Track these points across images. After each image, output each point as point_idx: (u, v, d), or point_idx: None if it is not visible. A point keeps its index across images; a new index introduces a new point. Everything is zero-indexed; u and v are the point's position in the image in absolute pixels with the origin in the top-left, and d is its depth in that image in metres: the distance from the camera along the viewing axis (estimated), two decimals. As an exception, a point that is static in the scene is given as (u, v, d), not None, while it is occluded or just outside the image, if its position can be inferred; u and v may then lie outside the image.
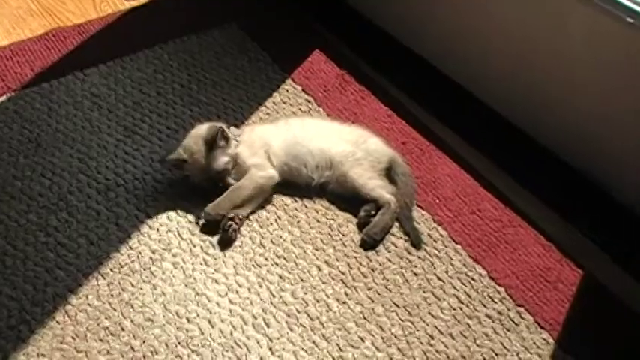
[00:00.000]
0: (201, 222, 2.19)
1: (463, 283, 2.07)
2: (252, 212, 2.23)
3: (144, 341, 1.90)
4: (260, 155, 2.27)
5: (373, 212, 2.19)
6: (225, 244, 2.14)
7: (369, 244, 2.14)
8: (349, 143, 2.30)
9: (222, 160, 2.21)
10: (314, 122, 2.47)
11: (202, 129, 2.27)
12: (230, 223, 2.14)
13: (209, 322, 1.95)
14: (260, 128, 2.40)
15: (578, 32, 2.25)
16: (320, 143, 2.28)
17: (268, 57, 2.89)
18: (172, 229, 2.18)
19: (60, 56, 2.85)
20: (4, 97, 2.64)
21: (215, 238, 2.16)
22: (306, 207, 2.26)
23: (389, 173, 2.30)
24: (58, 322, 1.93)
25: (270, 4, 3.21)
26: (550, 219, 2.27)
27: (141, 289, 2.02)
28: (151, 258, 2.10)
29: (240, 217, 2.17)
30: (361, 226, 2.20)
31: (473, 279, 2.08)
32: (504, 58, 2.55)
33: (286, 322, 1.95)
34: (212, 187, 2.22)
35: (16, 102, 2.62)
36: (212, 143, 2.21)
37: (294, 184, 2.30)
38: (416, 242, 2.16)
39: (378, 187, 2.22)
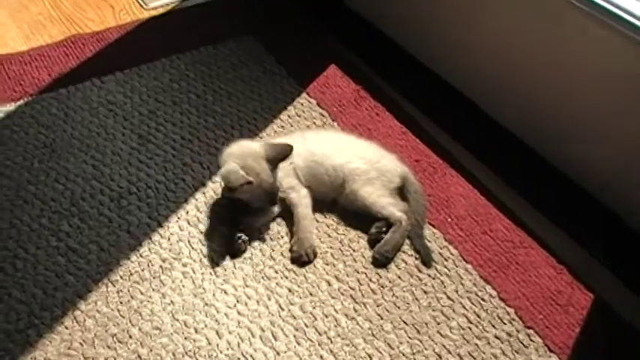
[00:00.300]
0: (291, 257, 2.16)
1: (473, 303, 2.06)
2: (265, 224, 2.23)
3: (151, 350, 1.90)
4: (290, 174, 2.26)
5: (384, 229, 2.19)
6: (235, 255, 2.14)
7: (381, 262, 2.14)
8: (363, 161, 2.28)
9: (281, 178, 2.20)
10: (330, 136, 2.46)
11: (253, 147, 2.18)
12: (240, 234, 2.14)
13: (217, 333, 1.94)
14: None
15: (593, 52, 2.25)
16: (335, 160, 2.27)
17: (284, 70, 2.89)
18: (183, 239, 2.19)
19: (78, 63, 2.88)
20: (21, 102, 2.66)
21: (225, 250, 2.16)
22: (317, 221, 2.25)
23: (401, 190, 2.30)
24: (66, 327, 1.94)
25: (288, 17, 3.23)
26: (562, 241, 2.26)
27: (150, 297, 2.02)
28: (161, 267, 2.11)
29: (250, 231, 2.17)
30: (372, 243, 2.19)
31: (483, 299, 2.07)
32: (519, 81, 2.55)
33: (294, 335, 1.95)
34: (264, 207, 2.20)
35: (33, 107, 2.64)
36: (277, 162, 2.17)
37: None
38: (426, 260, 2.15)
39: (389, 205, 2.22)
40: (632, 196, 2.28)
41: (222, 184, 2.24)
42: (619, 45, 2.14)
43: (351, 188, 2.24)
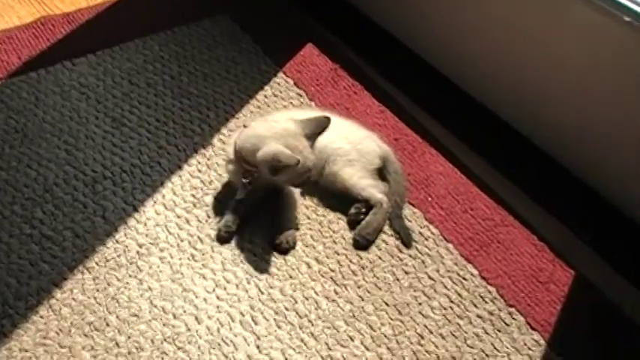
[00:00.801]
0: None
1: (454, 283, 2.04)
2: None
3: (129, 337, 1.86)
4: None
5: (364, 210, 2.16)
6: (224, 242, 2.11)
7: (362, 244, 2.12)
8: (346, 141, 2.24)
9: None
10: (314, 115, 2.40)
11: (288, 126, 2.05)
12: (232, 223, 2.11)
13: (196, 318, 1.91)
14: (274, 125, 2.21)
15: (575, 31, 2.23)
16: (320, 140, 2.16)
17: (260, 50, 2.85)
18: (160, 223, 2.15)
19: (48, 45, 2.80)
20: (-10, 86, 2.59)
21: (204, 234, 2.12)
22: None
23: (381, 170, 2.27)
24: (41, 316, 1.89)
25: (263, -4, 3.18)
26: (542, 219, 2.25)
27: (127, 283, 1.99)
28: (137, 252, 2.07)
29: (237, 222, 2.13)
30: (351, 224, 2.17)
31: (464, 278, 2.06)
32: (499, 57, 2.53)
33: (274, 319, 1.92)
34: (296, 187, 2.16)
35: (3, 91, 2.57)
36: (316, 138, 2.08)
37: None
38: (406, 241, 2.13)
39: (369, 187, 2.19)
40: (608, 170, 2.28)
41: (260, 166, 2.02)
42: (595, 20, 2.12)
43: (331, 169, 2.21)
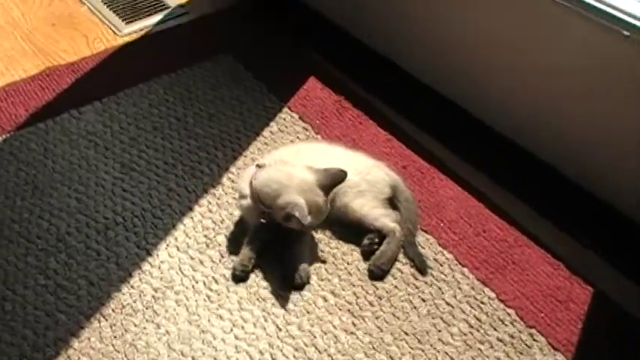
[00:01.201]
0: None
1: (472, 307, 2.03)
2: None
3: (149, 383, 1.86)
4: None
5: (377, 240, 2.16)
6: (241, 280, 2.11)
7: (378, 274, 2.11)
8: (354, 172, 2.23)
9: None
10: (321, 148, 2.42)
11: (306, 177, 2.07)
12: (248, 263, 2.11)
13: (215, 359, 1.90)
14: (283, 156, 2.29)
15: (575, 47, 2.23)
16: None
17: (264, 86, 2.87)
18: (174, 266, 2.15)
19: (54, 95, 2.84)
20: (-2, 140, 2.62)
21: (219, 274, 2.12)
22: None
23: (391, 199, 2.27)
24: (60, 367, 1.89)
25: (264, 33, 3.20)
26: (556, 236, 2.24)
27: (144, 328, 1.98)
28: (153, 296, 2.07)
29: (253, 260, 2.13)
30: (365, 254, 2.16)
31: (482, 302, 2.04)
32: (501, 76, 2.53)
33: (294, 356, 1.91)
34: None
35: (12, 143, 2.59)
36: (330, 190, 2.10)
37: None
38: (421, 268, 2.12)
39: (381, 216, 2.18)
40: (621, 184, 2.27)
41: (276, 210, 2.06)
42: (593, 34, 2.13)
43: (342, 202, 2.20)
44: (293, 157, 2.25)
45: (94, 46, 3.15)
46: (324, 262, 2.15)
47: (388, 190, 2.26)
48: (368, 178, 2.25)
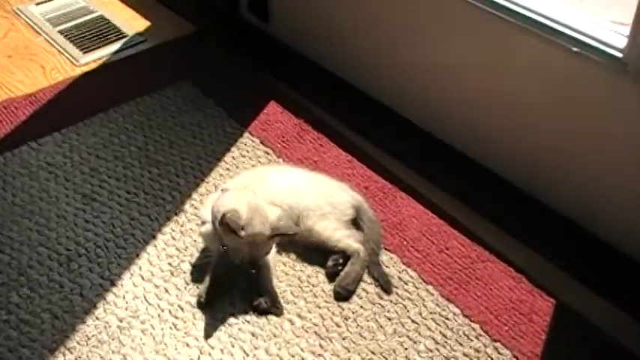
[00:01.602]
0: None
1: (438, 324, 2.05)
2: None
3: (117, 415, 1.84)
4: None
5: (341, 261, 2.17)
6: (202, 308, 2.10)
7: (343, 295, 2.12)
8: (317, 196, 2.26)
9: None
10: (285, 172, 2.43)
11: (264, 208, 2.05)
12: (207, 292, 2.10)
13: (183, 388, 1.90)
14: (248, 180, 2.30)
15: (527, 63, 2.29)
16: (290, 198, 2.22)
17: (224, 112, 2.88)
18: (139, 295, 2.13)
19: (12, 127, 2.80)
20: (-44, 174, 2.58)
21: (184, 301, 2.11)
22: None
23: (355, 219, 2.29)
24: (25, 403, 1.86)
25: (222, 59, 3.22)
26: (518, 250, 2.28)
27: (110, 360, 1.97)
28: (118, 327, 2.05)
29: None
30: (330, 276, 2.17)
31: (447, 318, 2.07)
32: (458, 96, 2.58)
33: (262, 380, 1.91)
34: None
35: (-30, 178, 2.56)
36: (277, 236, 2.06)
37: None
38: (386, 287, 2.14)
39: (344, 237, 2.20)
40: (580, 196, 2.32)
41: (214, 219, 2.04)
42: (545, 51, 2.19)
43: (305, 225, 2.22)
44: (256, 182, 2.26)
45: (51, 76, 3.13)
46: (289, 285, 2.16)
47: (351, 211, 2.28)
48: (331, 200, 2.26)
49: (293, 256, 2.24)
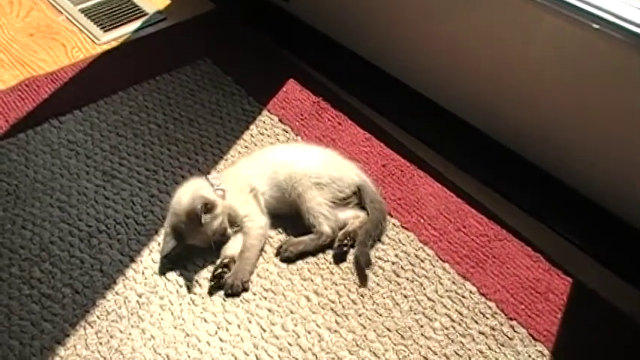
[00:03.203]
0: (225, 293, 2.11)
1: (454, 302, 2.06)
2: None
3: (136, 388, 1.87)
4: (249, 201, 2.23)
5: (346, 242, 2.17)
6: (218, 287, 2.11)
7: (281, 256, 2.17)
8: (318, 164, 2.28)
9: (215, 227, 2.14)
10: (288, 147, 2.48)
11: (183, 202, 2.14)
12: (224, 269, 2.12)
13: (200, 362, 1.93)
14: (242, 167, 2.34)
15: (547, 41, 2.27)
16: (292, 166, 2.26)
17: (243, 90, 2.89)
18: (158, 271, 2.16)
19: (34, 106, 2.84)
20: (-21, 152, 2.62)
21: (202, 277, 2.14)
22: (290, 237, 2.24)
23: (359, 201, 2.28)
24: (47, 375, 1.90)
25: (241, 37, 3.22)
26: (535, 229, 2.27)
27: (129, 334, 2.00)
28: (137, 302, 2.08)
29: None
30: (336, 257, 2.18)
31: (463, 297, 2.07)
32: (476, 72, 2.56)
33: (279, 356, 1.93)
34: (218, 244, 2.18)
35: (-7, 155, 2.60)
36: (198, 219, 2.11)
37: (282, 214, 2.27)
38: (363, 264, 2.12)
39: (321, 216, 2.19)
40: (592, 173, 2.30)
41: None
42: (566, 30, 2.16)
43: (297, 191, 2.23)
44: (262, 165, 2.32)
45: (72, 55, 3.16)
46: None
47: (350, 189, 2.27)
48: (332, 172, 2.26)
49: (310, 234, 2.25)
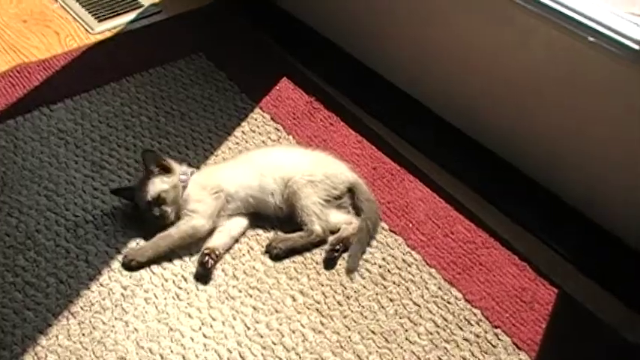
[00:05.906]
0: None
1: (439, 307, 2.06)
2: (229, 248, 2.20)
3: (117, 381, 1.86)
4: (205, 201, 2.21)
5: (338, 247, 2.17)
6: (202, 278, 2.11)
7: (270, 253, 2.17)
8: (309, 163, 2.29)
9: (155, 188, 2.18)
10: (277, 149, 2.48)
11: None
12: (207, 258, 2.10)
13: (183, 358, 1.91)
14: (221, 168, 2.37)
15: (542, 51, 2.28)
16: (281, 169, 2.26)
17: (236, 86, 2.88)
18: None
19: (25, 92, 2.82)
20: (-32, 136, 2.60)
21: (188, 272, 2.13)
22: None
23: (353, 200, 2.29)
24: (27, 365, 1.88)
25: (237, 33, 3.21)
26: (523, 238, 2.28)
27: (113, 326, 1.98)
28: (122, 294, 2.07)
29: (217, 253, 2.14)
30: (326, 261, 2.17)
31: (449, 302, 2.07)
32: (469, 79, 2.57)
33: (262, 354, 1.93)
34: (152, 220, 2.19)
35: (-19, 140, 2.58)
36: (147, 169, 2.19)
37: (264, 215, 2.28)
38: (350, 267, 2.13)
39: (314, 215, 2.19)
40: (587, 184, 2.31)
41: None
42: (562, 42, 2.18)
43: (292, 189, 2.23)
44: (245, 163, 2.34)
45: (65, 43, 3.13)
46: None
47: (344, 186, 2.28)
48: (325, 170, 2.27)
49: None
